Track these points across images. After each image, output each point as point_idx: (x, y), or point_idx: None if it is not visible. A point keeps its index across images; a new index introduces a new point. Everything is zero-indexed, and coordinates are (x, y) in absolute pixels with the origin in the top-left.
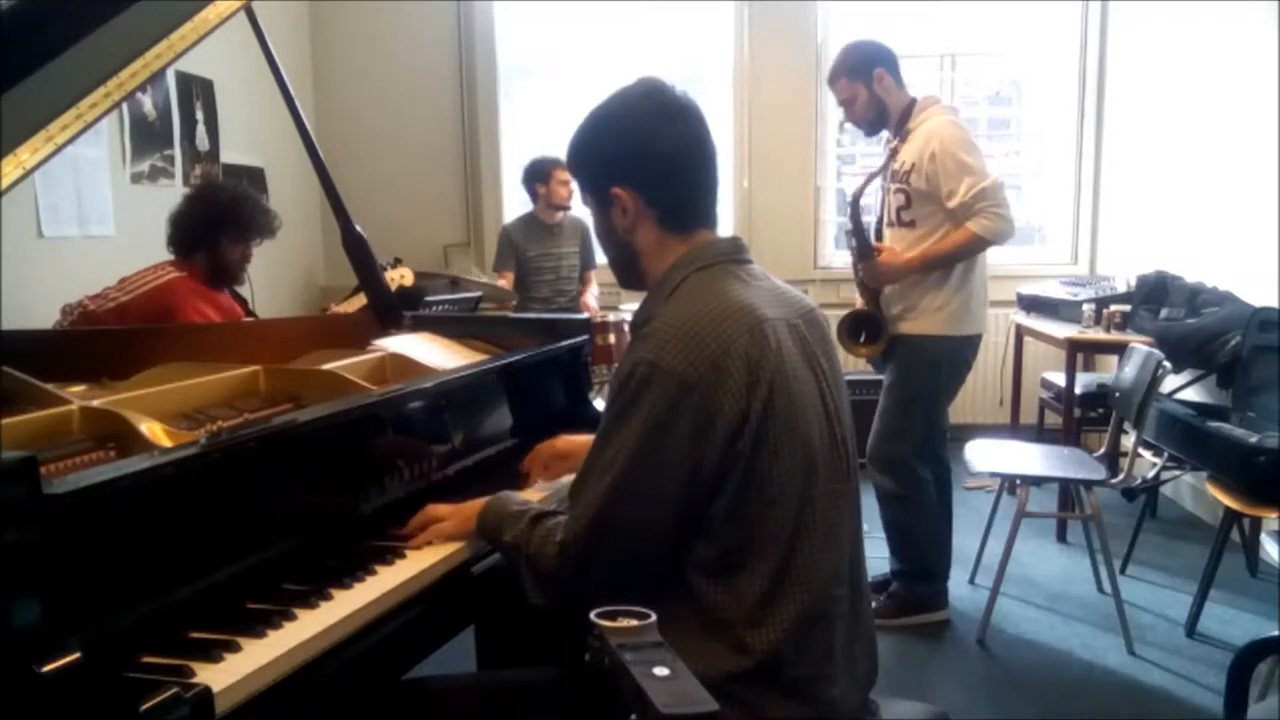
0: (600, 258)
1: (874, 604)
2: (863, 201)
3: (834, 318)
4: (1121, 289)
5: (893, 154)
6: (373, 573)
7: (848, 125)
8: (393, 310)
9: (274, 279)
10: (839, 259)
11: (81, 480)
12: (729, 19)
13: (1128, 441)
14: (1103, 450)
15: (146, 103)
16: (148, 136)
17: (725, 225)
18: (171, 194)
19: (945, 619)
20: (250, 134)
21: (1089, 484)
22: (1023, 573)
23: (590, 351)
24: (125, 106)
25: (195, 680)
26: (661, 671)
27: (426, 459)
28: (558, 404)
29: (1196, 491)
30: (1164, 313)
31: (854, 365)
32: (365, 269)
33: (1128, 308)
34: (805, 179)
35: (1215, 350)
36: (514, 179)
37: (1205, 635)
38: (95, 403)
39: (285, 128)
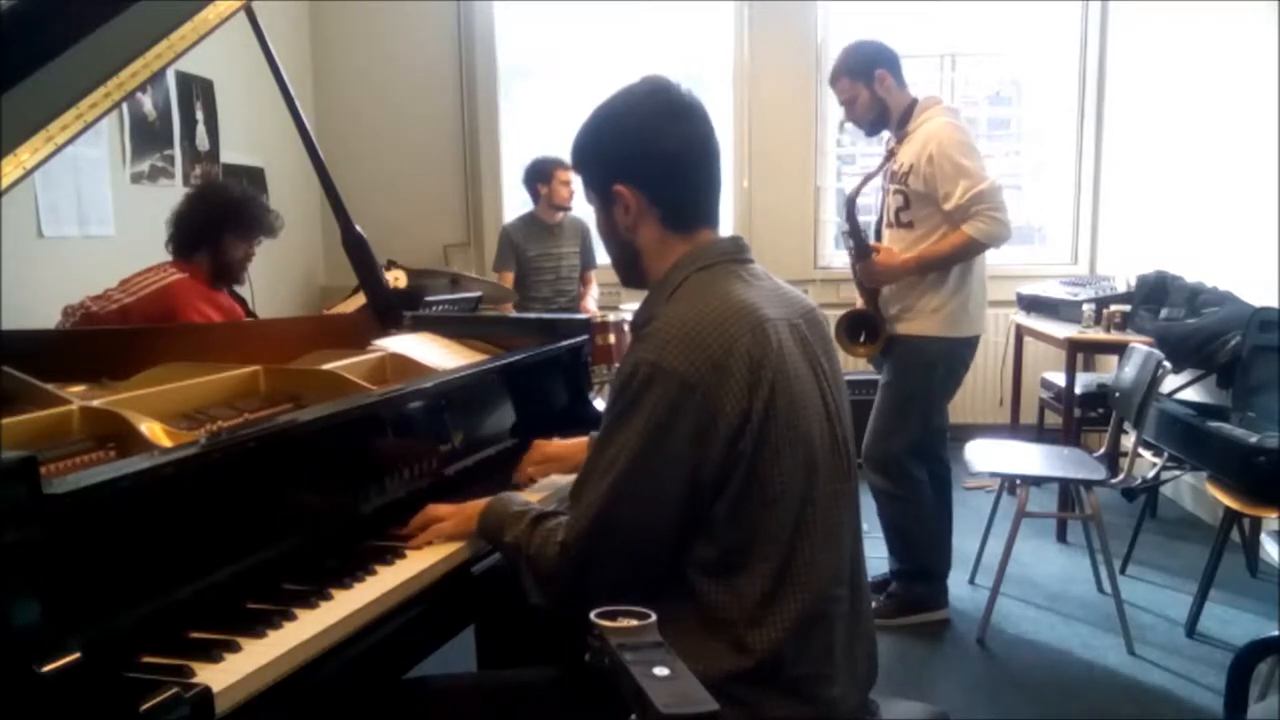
0: (601, 258)
1: (874, 604)
2: (863, 202)
3: (834, 318)
4: (1121, 289)
5: (890, 154)
6: (373, 573)
7: (848, 125)
8: (393, 310)
9: (274, 279)
10: (839, 259)
11: (81, 480)
12: (729, 19)
13: (1128, 441)
14: (1103, 450)
15: (146, 103)
16: (148, 136)
17: (725, 225)
18: (171, 194)
19: (945, 619)
20: (250, 134)
21: (1089, 484)
22: (1023, 573)
23: (590, 351)
24: (125, 106)
25: (195, 680)
26: (661, 671)
27: (426, 459)
28: (558, 404)
29: (1196, 491)
30: (1164, 313)
31: (854, 365)
32: (365, 269)
33: (1128, 308)
34: (805, 179)
35: (1215, 350)
36: (514, 179)
37: (1205, 635)
38: (95, 403)
39: (285, 128)
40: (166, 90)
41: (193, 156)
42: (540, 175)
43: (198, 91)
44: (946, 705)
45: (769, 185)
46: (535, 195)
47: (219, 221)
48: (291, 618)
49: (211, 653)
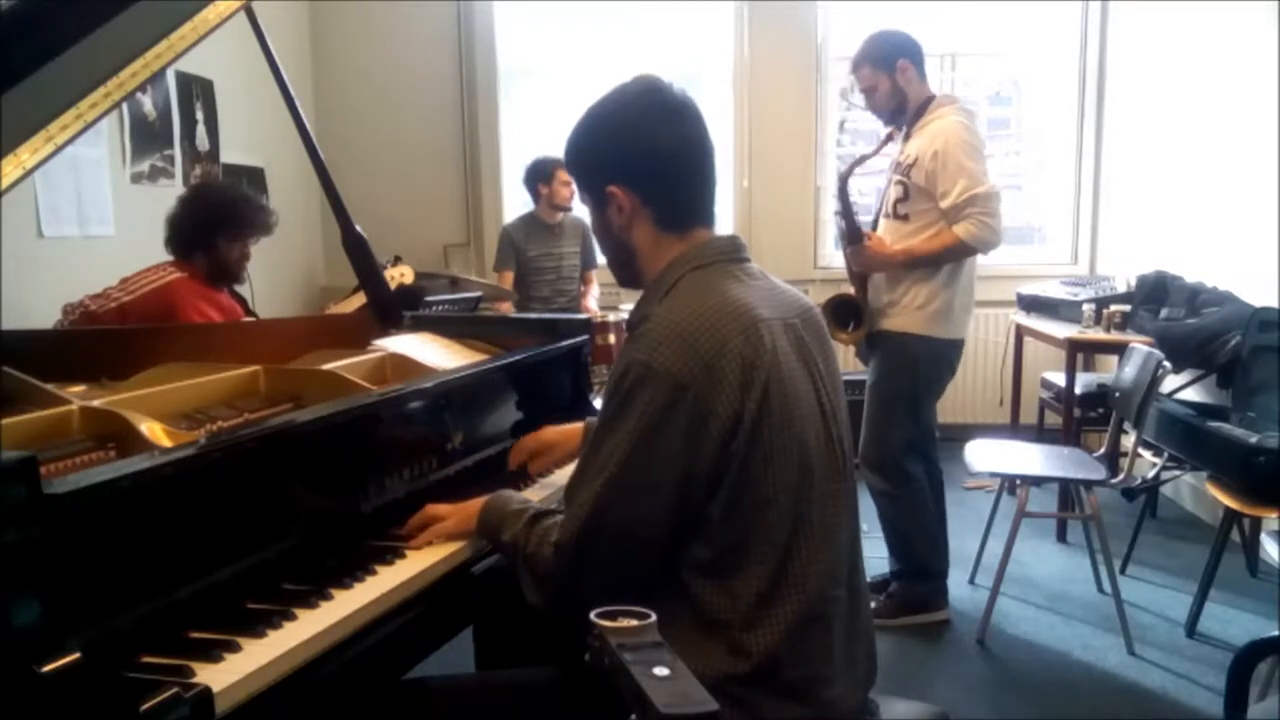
0: (601, 257)
1: (873, 604)
2: (865, 202)
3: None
4: (1121, 289)
5: (888, 138)
6: (373, 573)
7: (848, 125)
8: (393, 310)
9: (274, 279)
10: (839, 259)
11: (81, 480)
12: (729, 19)
13: (1128, 441)
14: (1103, 450)
15: (146, 103)
16: (148, 136)
17: (725, 225)
18: (171, 194)
19: (945, 619)
20: (250, 134)
21: (1089, 484)
22: (1023, 573)
23: (590, 351)
24: (125, 106)
25: (195, 680)
26: (661, 671)
27: (426, 459)
28: (558, 404)
29: (1196, 491)
30: (1164, 313)
31: (853, 365)
32: (365, 269)
33: (1128, 308)
34: (805, 179)
35: (1215, 350)
36: (514, 179)
37: (1205, 635)
38: (95, 403)
39: (285, 128)
40: (166, 90)
41: (193, 156)
42: (541, 175)
43: (198, 91)
44: (946, 705)
45: (769, 185)
46: (536, 195)
47: (211, 222)
48: (291, 618)
49: (211, 653)
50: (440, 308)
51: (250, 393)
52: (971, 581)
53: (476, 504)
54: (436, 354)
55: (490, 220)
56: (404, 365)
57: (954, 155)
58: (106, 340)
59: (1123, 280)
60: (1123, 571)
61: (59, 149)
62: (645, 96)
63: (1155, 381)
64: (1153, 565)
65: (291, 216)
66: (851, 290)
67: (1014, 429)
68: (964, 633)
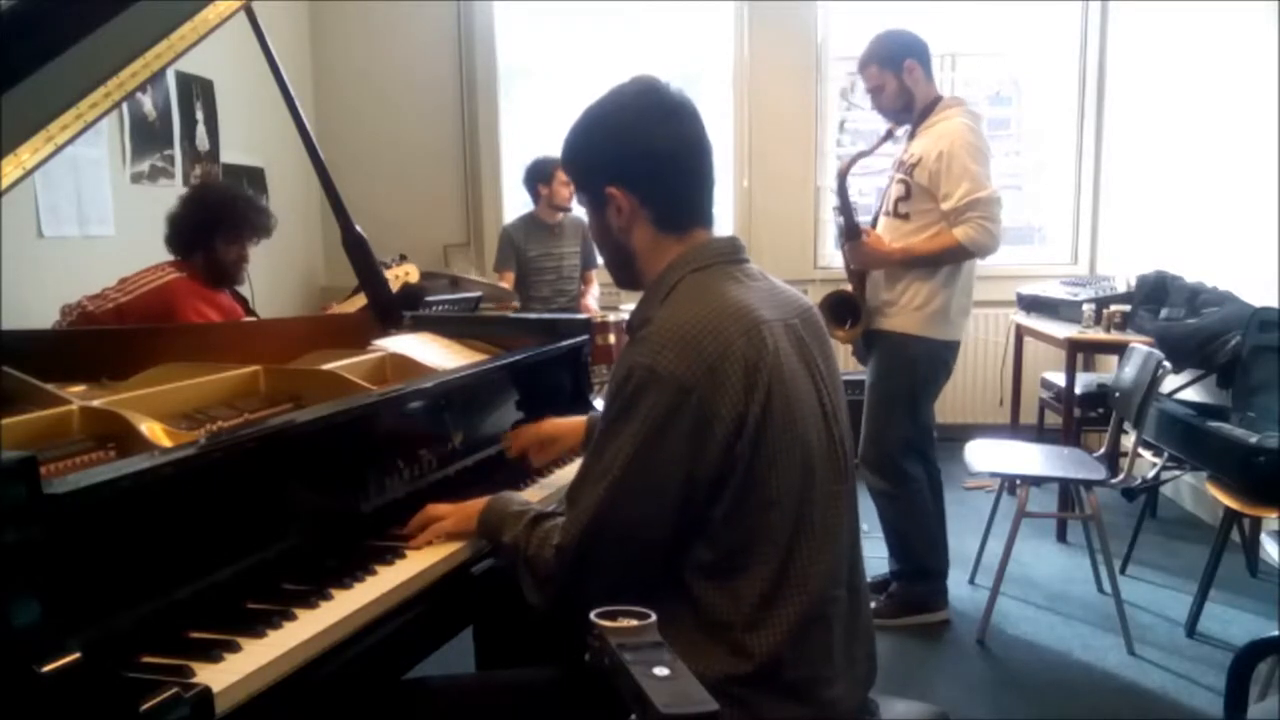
0: (600, 257)
1: (874, 604)
2: (866, 201)
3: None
4: (1121, 289)
5: (888, 134)
6: (373, 573)
7: (848, 125)
8: (393, 310)
9: (274, 279)
10: (839, 259)
11: (81, 480)
12: (729, 19)
13: (1128, 441)
14: (1103, 450)
15: (146, 103)
16: (148, 136)
17: (725, 225)
18: (171, 194)
19: (945, 619)
20: (250, 134)
21: (1089, 484)
22: (1023, 573)
23: (590, 351)
24: (125, 106)
25: (195, 680)
26: (661, 671)
27: (427, 459)
28: (558, 404)
29: (1196, 491)
30: (1164, 313)
31: (854, 366)
32: (365, 269)
33: (1128, 308)
34: (805, 179)
35: (1215, 350)
36: (514, 179)
37: (1205, 635)
38: (95, 403)
39: (285, 128)
40: (166, 90)
41: (193, 156)
42: (541, 175)
43: (198, 91)
44: (946, 705)
45: (769, 185)
46: (535, 195)
47: (209, 224)
48: (291, 618)
49: (211, 653)
50: (440, 308)
51: (250, 393)
52: (971, 581)
53: (477, 504)
54: (436, 354)
55: (490, 220)
56: (404, 365)
57: (959, 158)
58: (106, 340)
59: (1123, 280)
60: (1123, 571)
61: (59, 149)
62: (643, 97)
63: (1155, 381)
64: (1153, 565)
65: (291, 216)
66: (849, 287)
67: (1014, 429)
68: (964, 633)
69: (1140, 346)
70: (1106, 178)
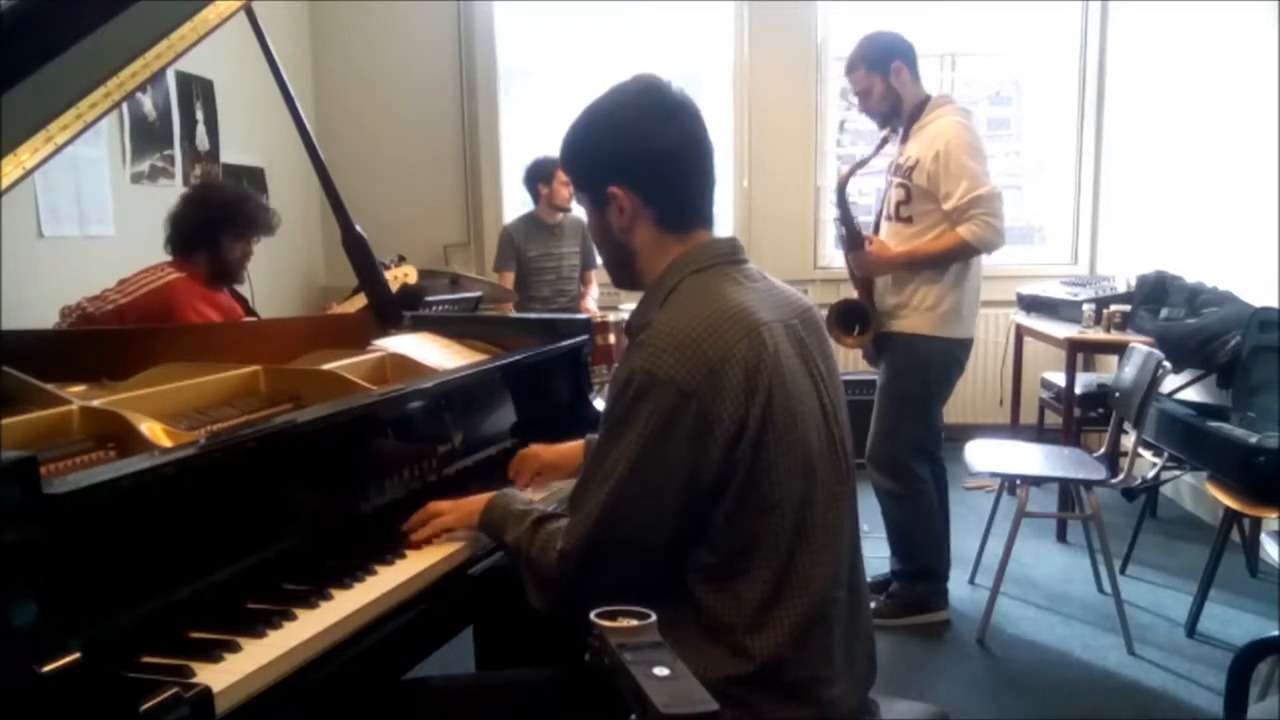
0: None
1: (874, 604)
2: (865, 201)
3: None
4: (1121, 289)
5: (884, 141)
6: (373, 573)
7: (848, 125)
8: (393, 310)
9: (274, 279)
10: (839, 259)
11: (81, 480)
12: (729, 19)
13: (1128, 441)
14: (1103, 450)
15: (146, 103)
16: (148, 136)
17: (725, 225)
18: (171, 194)
19: (945, 619)
20: (250, 134)
21: (1089, 484)
22: (1023, 573)
23: (590, 351)
24: (125, 106)
25: (195, 680)
26: (661, 671)
27: (427, 459)
28: (558, 404)
29: (1196, 491)
30: (1164, 313)
31: (854, 365)
32: (365, 269)
33: (1128, 308)
34: (805, 179)
35: (1215, 350)
36: (514, 179)
37: (1205, 635)
38: (95, 403)
39: (285, 128)
40: (166, 90)
41: (193, 156)
42: (541, 175)
43: (198, 91)
44: (946, 705)
45: (769, 185)
46: (536, 195)
47: (215, 222)
48: (291, 618)
49: (211, 653)
50: (440, 308)
51: (250, 393)
52: (971, 581)
53: (479, 501)
54: (436, 354)
55: (490, 220)
56: (404, 365)
57: (955, 156)
58: (106, 340)
59: (1123, 280)
60: (1123, 571)
61: (59, 149)
62: (644, 95)
63: (1155, 381)
64: (1153, 565)
65: (291, 216)
66: (854, 294)
67: (1014, 429)
68: (964, 633)
69: (1140, 346)
70: (1106, 178)
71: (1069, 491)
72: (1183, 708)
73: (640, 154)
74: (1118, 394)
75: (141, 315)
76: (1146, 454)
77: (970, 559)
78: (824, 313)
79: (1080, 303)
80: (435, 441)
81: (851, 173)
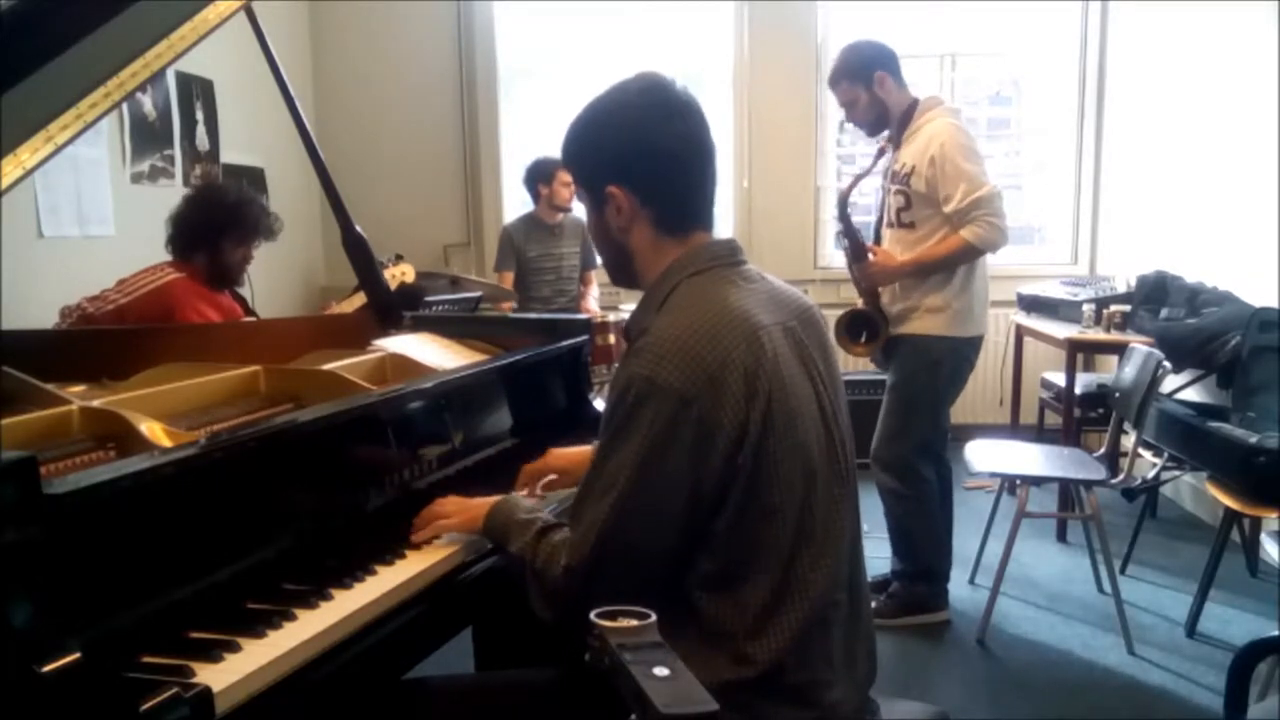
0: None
1: (874, 604)
2: (864, 202)
3: (833, 318)
4: (1121, 289)
5: (880, 153)
6: (373, 573)
7: (848, 125)
8: (393, 310)
9: (274, 279)
10: (839, 259)
11: (81, 480)
12: (729, 19)
13: (1128, 441)
14: (1103, 450)
15: (146, 103)
16: (148, 136)
17: (725, 225)
18: (171, 194)
19: (945, 619)
20: (250, 134)
21: (1089, 484)
22: (1023, 573)
23: (590, 351)
24: (125, 106)
25: (195, 680)
26: (661, 671)
27: (426, 459)
28: (558, 404)
29: (1196, 491)
30: (1164, 313)
31: (855, 365)
32: (365, 269)
33: (1128, 308)
34: (805, 179)
35: (1215, 350)
36: (514, 179)
37: (1205, 635)
38: (95, 403)
39: (285, 128)
40: (166, 90)
41: (193, 156)
42: (541, 175)
43: (198, 91)
44: (946, 705)
45: (769, 185)
46: (536, 195)
47: (217, 225)
48: (291, 618)
49: (211, 653)
50: (440, 308)
51: (250, 393)
52: (971, 581)
53: (483, 505)
54: (436, 354)
55: (490, 220)
56: (404, 365)
57: (951, 159)
58: (106, 340)
59: (1123, 280)
60: (1123, 571)
61: (59, 149)
62: (648, 94)
63: (1155, 381)
64: (1153, 565)
65: (291, 216)
66: (857, 300)
67: (1014, 429)
68: (964, 633)
69: (1140, 346)
70: (1106, 178)
71: (1069, 491)
72: (1183, 708)
73: (640, 154)
74: (1118, 394)
75: (142, 315)
76: (1146, 454)
77: (970, 559)
78: (826, 314)
79: (1080, 303)
80: (435, 442)
81: (852, 187)
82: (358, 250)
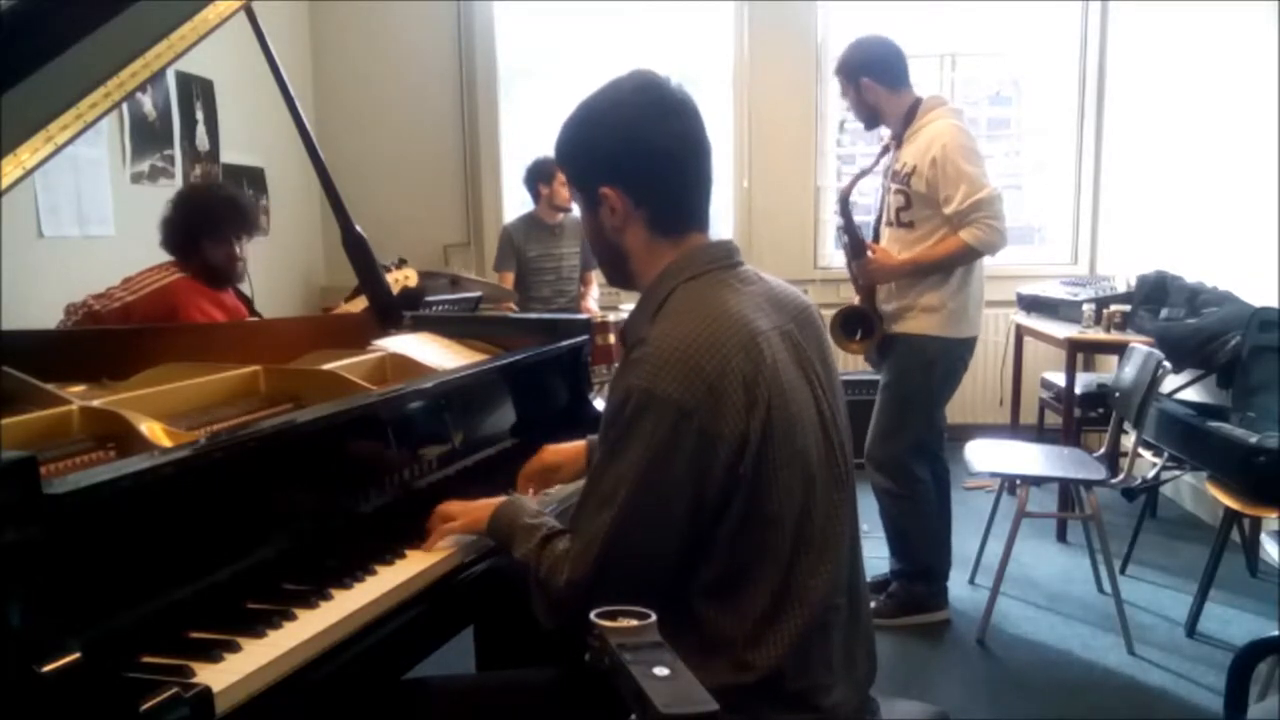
0: None
1: (874, 604)
2: (864, 202)
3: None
4: (1121, 289)
5: (884, 151)
6: (373, 573)
7: (848, 125)
8: (393, 310)
9: (274, 279)
10: (839, 259)
11: (81, 480)
12: (729, 19)
13: (1128, 441)
14: (1103, 450)
15: (146, 103)
16: (148, 136)
17: (725, 226)
18: (171, 194)
19: (945, 619)
20: (250, 134)
21: (1089, 484)
22: (1023, 573)
23: (590, 351)
24: (125, 106)
25: (195, 680)
26: (661, 671)
27: (426, 459)
28: (558, 404)
29: (1196, 491)
30: (1164, 313)
31: (854, 365)
32: (365, 269)
33: (1128, 308)
34: (805, 179)
35: (1215, 350)
36: (514, 179)
37: (1205, 635)
38: (95, 403)
39: (285, 128)
40: (166, 90)
41: (193, 156)
42: (541, 175)
43: (198, 91)
44: (946, 705)
45: (769, 185)
46: (536, 195)
47: (193, 227)
48: (291, 618)
49: (211, 653)
50: (440, 308)
51: (250, 393)
52: (971, 581)
53: (487, 508)
54: (436, 354)
55: (490, 220)
56: (404, 365)
57: (952, 161)
58: (107, 340)
59: (1123, 280)
60: (1123, 571)
61: (59, 149)
62: (642, 93)
63: (1155, 381)
64: (1153, 565)
65: (291, 216)
66: (854, 297)
67: (1014, 429)
68: (964, 633)
69: (1140, 346)
70: (1106, 178)
71: (1069, 491)
72: (1183, 708)
73: (634, 154)
74: (1118, 394)
75: (148, 313)
76: (1146, 454)
77: (970, 559)
78: (825, 314)
79: (1080, 303)
80: (435, 442)
81: (853, 185)
82: (358, 250)
